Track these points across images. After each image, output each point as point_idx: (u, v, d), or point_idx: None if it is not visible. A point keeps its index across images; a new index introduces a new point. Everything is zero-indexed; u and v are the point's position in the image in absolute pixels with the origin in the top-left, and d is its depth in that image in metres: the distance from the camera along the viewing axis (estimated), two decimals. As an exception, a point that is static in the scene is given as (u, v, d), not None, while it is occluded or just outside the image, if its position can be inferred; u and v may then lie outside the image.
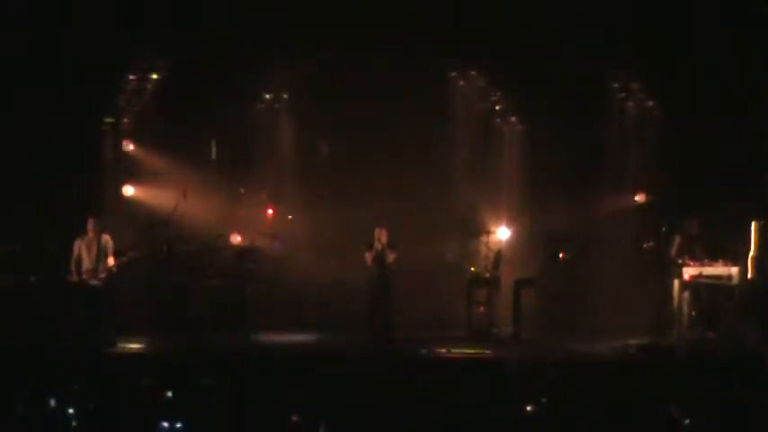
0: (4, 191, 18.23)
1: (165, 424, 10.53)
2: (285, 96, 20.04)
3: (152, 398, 11.79)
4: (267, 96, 20.05)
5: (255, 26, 18.65)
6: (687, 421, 10.88)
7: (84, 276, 16.47)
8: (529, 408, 11.36)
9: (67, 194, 18.11)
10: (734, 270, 16.88)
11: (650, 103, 19.47)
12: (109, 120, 19.59)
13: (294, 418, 10.95)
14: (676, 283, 17.00)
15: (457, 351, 16.31)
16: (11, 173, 18.32)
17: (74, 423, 10.68)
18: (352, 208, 18.74)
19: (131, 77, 19.54)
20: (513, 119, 19.87)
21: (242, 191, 19.82)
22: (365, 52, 18.65)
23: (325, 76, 19.45)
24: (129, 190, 19.49)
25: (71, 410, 10.88)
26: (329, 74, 19.37)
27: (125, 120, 19.72)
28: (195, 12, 18.55)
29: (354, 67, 18.87)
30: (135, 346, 16.31)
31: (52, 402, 11.14)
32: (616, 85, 19.50)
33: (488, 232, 18.56)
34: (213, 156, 20.18)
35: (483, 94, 19.99)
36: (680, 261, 17.07)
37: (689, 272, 16.91)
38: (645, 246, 18.93)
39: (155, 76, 19.58)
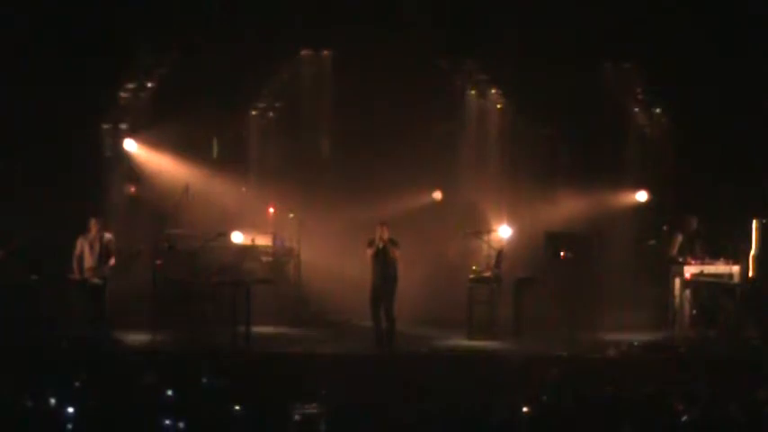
0: (5, 190, 18.24)
1: (167, 422, 10.52)
2: (285, 96, 20.10)
3: (153, 397, 11.79)
4: (267, 96, 20.10)
5: (256, 26, 18.68)
6: (688, 419, 10.88)
7: (86, 275, 16.48)
8: (530, 406, 11.34)
9: (69, 193, 18.11)
10: (735, 268, 16.92)
11: (651, 102, 19.48)
12: (110, 118, 19.61)
13: (294, 417, 10.94)
14: (677, 281, 17.03)
15: (458, 349, 16.31)
16: (12, 171, 18.34)
17: (74, 422, 10.67)
18: (354, 206, 18.75)
19: (133, 76, 19.55)
20: (515, 117, 19.87)
21: (243, 189, 19.84)
22: (365, 51, 18.66)
23: (326, 75, 19.50)
24: (130, 188, 19.51)
25: (71, 409, 10.87)
26: (330, 73, 19.42)
27: (126, 118, 19.73)
28: (196, 10, 18.60)
29: (357, 64, 18.89)
30: (136, 344, 16.30)
31: (52, 401, 11.12)
32: (617, 85, 19.51)
33: (490, 231, 18.55)
34: (214, 155, 20.22)
35: (485, 92, 19.99)
36: (681, 260, 17.09)
37: (690, 270, 16.93)
38: (646, 244, 18.95)
39: (156, 75, 19.61)
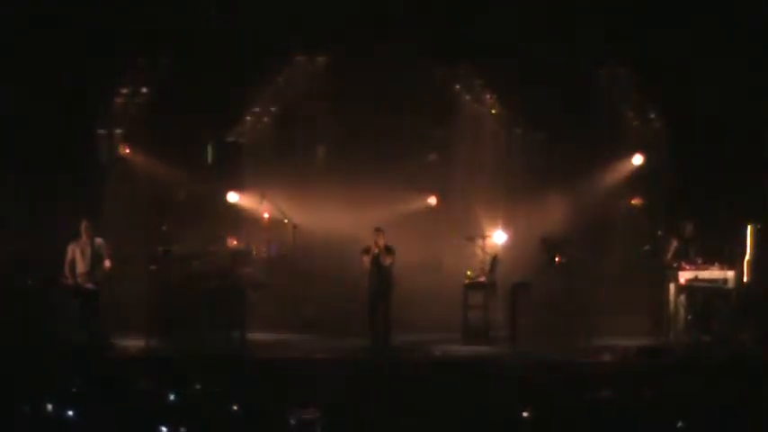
0: (4, 192, 18.26)
1: (164, 429, 10.53)
2: (281, 101, 20.15)
3: (150, 400, 11.79)
4: (263, 101, 20.15)
5: (254, 28, 18.71)
6: (683, 423, 10.91)
7: (78, 280, 16.43)
8: (525, 411, 11.37)
9: (66, 197, 18.11)
10: (730, 273, 16.94)
11: (646, 107, 19.53)
12: (106, 123, 19.63)
13: (291, 422, 10.96)
14: (672, 286, 17.05)
15: (453, 354, 16.32)
16: (9, 174, 18.35)
17: (72, 425, 10.68)
18: (349, 211, 18.77)
19: (129, 81, 19.57)
20: (511, 121, 19.91)
21: (239, 195, 19.84)
22: (361, 56, 18.70)
23: (325, 78, 19.54)
24: (126, 192, 19.54)
25: (69, 413, 10.88)
26: (328, 76, 19.47)
27: (122, 123, 19.74)
28: (193, 14, 18.63)
29: (353, 69, 18.92)
30: (132, 348, 16.29)
31: (50, 405, 11.14)
32: (613, 87, 19.55)
33: (485, 236, 18.57)
34: (209, 160, 20.24)
35: (480, 97, 20.02)
36: (675, 264, 17.12)
37: (685, 275, 16.96)
38: (641, 249, 18.98)
39: (151, 80, 19.63)
